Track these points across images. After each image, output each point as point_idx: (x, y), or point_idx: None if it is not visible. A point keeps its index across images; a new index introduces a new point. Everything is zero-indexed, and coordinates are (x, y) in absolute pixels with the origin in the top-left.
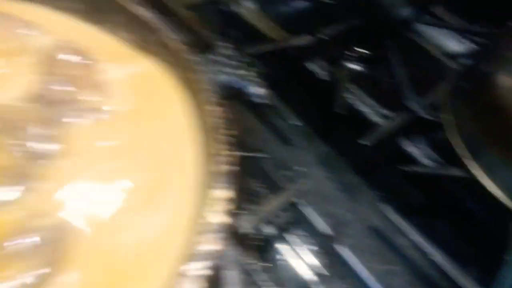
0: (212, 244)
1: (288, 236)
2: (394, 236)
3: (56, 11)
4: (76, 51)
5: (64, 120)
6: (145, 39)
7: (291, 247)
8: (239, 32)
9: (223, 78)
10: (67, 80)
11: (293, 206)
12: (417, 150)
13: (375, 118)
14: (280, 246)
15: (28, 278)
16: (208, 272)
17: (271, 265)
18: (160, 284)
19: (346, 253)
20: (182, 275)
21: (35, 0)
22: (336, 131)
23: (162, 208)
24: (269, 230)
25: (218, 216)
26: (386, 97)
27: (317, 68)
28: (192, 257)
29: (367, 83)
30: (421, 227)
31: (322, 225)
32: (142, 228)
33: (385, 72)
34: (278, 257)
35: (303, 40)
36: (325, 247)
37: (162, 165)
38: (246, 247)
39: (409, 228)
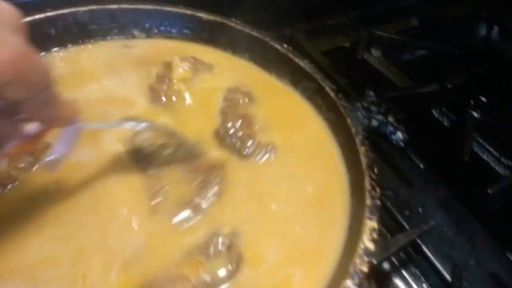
0: (363, 266)
1: (404, 272)
2: None
3: (231, 55)
4: (245, 94)
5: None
6: (302, 84)
7: (407, 283)
8: (365, 77)
9: (372, 123)
10: (238, 119)
11: (413, 245)
12: None
13: (498, 167)
14: (396, 281)
15: (221, 272)
16: None
17: None
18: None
19: None
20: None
21: (216, 44)
22: (458, 176)
23: (323, 228)
24: (387, 263)
25: (368, 243)
26: (510, 147)
27: (441, 115)
28: (350, 275)
29: (491, 133)
30: None
31: (440, 267)
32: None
33: (507, 121)
34: None
35: (430, 87)
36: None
37: (321, 196)
38: (371, 278)
39: None
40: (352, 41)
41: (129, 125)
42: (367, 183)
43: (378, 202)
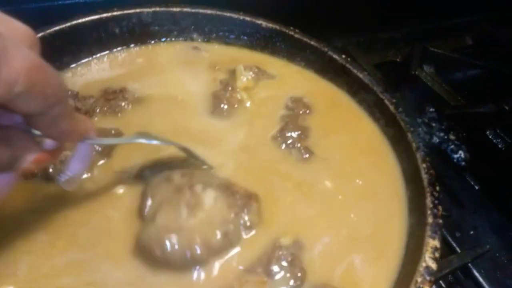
0: (425, 285)
1: None
2: None
3: (289, 62)
4: (305, 106)
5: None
6: (359, 96)
7: None
8: (417, 93)
9: (432, 139)
10: (297, 129)
11: (464, 268)
12: None
13: None
14: None
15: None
16: None
17: None
18: None
19: None
20: None
21: (274, 52)
22: (511, 200)
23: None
24: (435, 285)
25: (430, 261)
26: None
27: (496, 137)
28: None
29: None
30: None
31: None
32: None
33: None
34: None
35: (486, 108)
36: None
37: (382, 212)
38: None
39: None
40: (403, 56)
41: (142, 141)
42: (429, 201)
43: (440, 221)
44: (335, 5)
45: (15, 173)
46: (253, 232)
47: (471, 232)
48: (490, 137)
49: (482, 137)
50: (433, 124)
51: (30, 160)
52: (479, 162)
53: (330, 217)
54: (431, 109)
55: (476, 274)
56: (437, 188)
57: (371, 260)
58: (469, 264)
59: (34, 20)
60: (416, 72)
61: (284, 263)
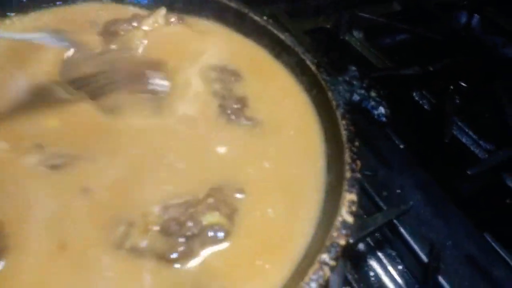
0: (341, 239)
1: (380, 253)
2: (491, 266)
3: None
4: (233, 74)
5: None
6: (284, 59)
7: (382, 264)
8: (346, 58)
9: (353, 97)
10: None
11: (390, 225)
12: None
13: (477, 150)
14: (372, 262)
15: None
16: (336, 263)
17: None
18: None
19: (439, 279)
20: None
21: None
22: (437, 159)
23: (295, 203)
24: (362, 244)
25: (347, 215)
26: (491, 132)
27: (422, 98)
28: (326, 248)
29: (471, 117)
30: None
31: (417, 248)
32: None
33: (490, 107)
34: (369, 271)
35: (411, 70)
36: (417, 270)
37: (300, 167)
38: (347, 258)
39: (509, 259)
40: (333, 22)
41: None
42: (348, 156)
43: (358, 175)
44: None
45: None
46: None
47: (398, 191)
48: (416, 98)
49: (408, 98)
50: (354, 82)
51: None
52: (401, 121)
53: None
54: (353, 68)
55: (402, 230)
56: (356, 143)
57: (288, 215)
58: (395, 221)
59: None
60: (346, 38)
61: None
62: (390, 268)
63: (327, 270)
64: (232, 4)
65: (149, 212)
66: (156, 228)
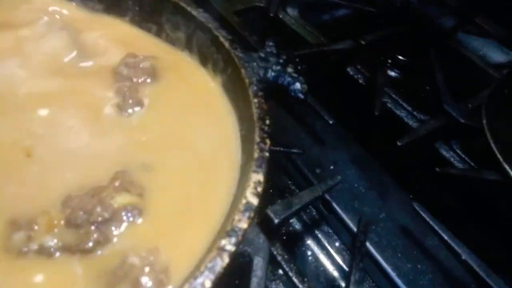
0: (243, 223)
1: (316, 231)
2: (424, 236)
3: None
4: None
5: None
6: (198, 37)
7: (319, 242)
8: (281, 36)
9: (268, 74)
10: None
11: (323, 202)
12: (452, 153)
13: (411, 122)
14: (308, 241)
15: None
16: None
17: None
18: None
19: (373, 251)
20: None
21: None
22: (370, 132)
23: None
24: (298, 223)
25: (252, 197)
26: (424, 102)
27: (357, 72)
28: (227, 233)
29: (405, 89)
30: (452, 229)
31: (351, 222)
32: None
33: (423, 79)
34: (305, 251)
35: (344, 44)
36: (353, 244)
37: (211, 148)
38: (276, 238)
39: (440, 229)
40: (268, 0)
41: None
42: (257, 136)
43: (267, 154)
44: None
45: None
46: None
47: (331, 167)
48: (351, 73)
49: (343, 73)
50: (271, 59)
51: None
52: (333, 96)
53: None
54: (270, 43)
55: (335, 206)
56: (267, 122)
57: (201, 193)
58: (327, 197)
59: None
60: (279, 15)
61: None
62: (327, 245)
63: (225, 257)
64: None
65: (50, 208)
66: (62, 222)
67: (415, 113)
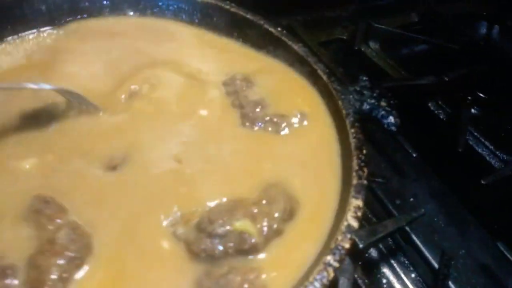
0: (345, 243)
1: (393, 261)
2: (505, 276)
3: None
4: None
5: None
6: (298, 69)
7: (395, 272)
8: (362, 68)
9: (363, 106)
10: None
11: (401, 233)
12: None
13: (492, 161)
14: (384, 269)
15: None
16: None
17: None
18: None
19: (452, 286)
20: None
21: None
22: (451, 168)
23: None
24: (375, 251)
25: (352, 220)
26: (506, 141)
27: (438, 108)
28: (331, 250)
29: (487, 127)
30: None
31: (430, 256)
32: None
33: (504, 117)
34: (381, 278)
35: (426, 80)
36: (430, 278)
37: (315, 169)
38: (357, 263)
39: None
40: (350, 33)
41: (31, 86)
42: (355, 164)
43: (365, 182)
44: None
45: None
46: None
47: (411, 200)
48: (432, 108)
49: (424, 108)
50: (365, 92)
51: None
52: (418, 131)
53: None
54: (364, 78)
55: (415, 238)
56: (364, 151)
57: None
58: (407, 229)
59: None
60: (361, 48)
61: None
62: (402, 275)
63: (331, 271)
64: (249, 16)
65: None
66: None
67: (497, 152)
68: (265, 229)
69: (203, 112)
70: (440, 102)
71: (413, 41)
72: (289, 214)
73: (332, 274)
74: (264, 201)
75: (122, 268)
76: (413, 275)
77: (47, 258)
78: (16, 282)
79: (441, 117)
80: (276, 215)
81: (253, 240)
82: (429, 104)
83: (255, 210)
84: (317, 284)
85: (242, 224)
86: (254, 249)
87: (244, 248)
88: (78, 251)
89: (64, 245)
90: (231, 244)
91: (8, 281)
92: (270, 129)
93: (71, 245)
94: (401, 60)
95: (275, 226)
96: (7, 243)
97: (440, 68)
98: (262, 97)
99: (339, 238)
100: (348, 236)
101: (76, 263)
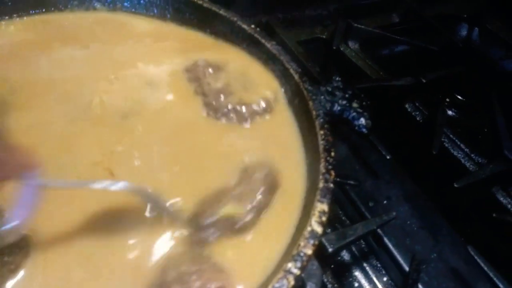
0: (308, 249)
1: (365, 264)
2: (476, 281)
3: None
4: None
5: None
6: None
7: (367, 275)
8: (341, 68)
9: (334, 108)
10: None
11: (374, 236)
12: (510, 200)
13: (468, 163)
14: (356, 272)
15: None
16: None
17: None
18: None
19: None
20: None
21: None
22: (425, 171)
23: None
24: (347, 254)
25: (316, 225)
26: (482, 145)
27: (415, 109)
28: (293, 257)
29: (462, 129)
30: (506, 276)
31: (402, 259)
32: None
33: (482, 120)
34: (353, 282)
35: (404, 81)
36: (401, 282)
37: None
38: (327, 267)
39: (494, 276)
40: (330, 33)
41: (101, 186)
42: (322, 166)
43: (331, 185)
44: None
45: None
46: None
47: (385, 202)
48: (409, 109)
49: (400, 110)
50: (337, 93)
51: None
52: (392, 133)
53: None
54: (337, 78)
55: (387, 241)
56: (332, 154)
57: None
58: (379, 232)
59: None
60: (340, 48)
61: None
62: (374, 279)
63: (291, 279)
64: (222, 12)
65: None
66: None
67: (472, 155)
68: (254, 204)
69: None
70: (417, 104)
71: (393, 42)
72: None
73: (292, 282)
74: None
75: None
76: (385, 279)
77: None
78: None
79: (417, 118)
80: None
81: (242, 221)
82: (406, 106)
83: (239, 191)
84: None
85: (227, 208)
86: (245, 228)
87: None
88: None
89: None
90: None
91: None
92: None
93: None
94: (380, 60)
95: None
96: None
97: (419, 69)
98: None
99: (302, 244)
100: (311, 242)
101: None
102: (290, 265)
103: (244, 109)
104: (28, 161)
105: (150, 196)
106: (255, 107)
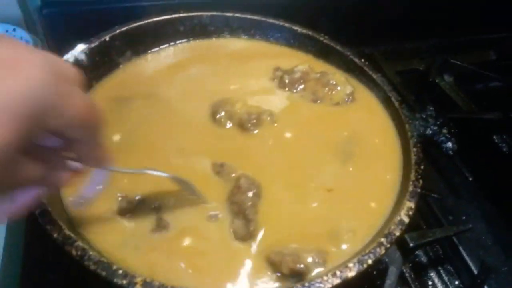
0: (397, 231)
1: (439, 267)
2: None
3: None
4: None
5: None
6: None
7: (440, 277)
8: (434, 98)
9: (427, 131)
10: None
11: (450, 244)
12: None
13: None
14: (431, 273)
15: None
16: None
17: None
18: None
19: None
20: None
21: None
22: (504, 196)
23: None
24: (425, 257)
25: (404, 217)
26: None
27: (502, 141)
28: (385, 235)
29: None
30: None
31: (472, 265)
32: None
33: None
34: (427, 281)
35: (493, 115)
36: (472, 284)
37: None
38: (407, 262)
39: None
40: (426, 65)
41: (155, 173)
42: (413, 175)
43: (419, 190)
44: (366, 16)
45: (45, 188)
46: None
47: (463, 218)
48: (496, 140)
49: (488, 139)
50: (430, 120)
51: (62, 177)
52: (473, 156)
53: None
54: (431, 108)
55: (461, 249)
56: (422, 167)
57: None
58: (455, 240)
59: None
60: (436, 80)
61: None
62: (447, 281)
63: (382, 249)
64: (339, 48)
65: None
66: None
67: None
68: None
69: None
70: (504, 136)
71: (487, 78)
72: None
73: (382, 251)
74: None
75: None
76: (456, 282)
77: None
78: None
79: (504, 150)
80: None
81: None
82: (494, 137)
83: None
84: (371, 255)
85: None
86: None
87: None
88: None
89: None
90: None
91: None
92: None
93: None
94: (473, 94)
95: None
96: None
97: (510, 105)
98: None
99: (392, 227)
100: (399, 227)
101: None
102: (382, 239)
103: None
104: (108, 154)
105: (188, 184)
106: None
